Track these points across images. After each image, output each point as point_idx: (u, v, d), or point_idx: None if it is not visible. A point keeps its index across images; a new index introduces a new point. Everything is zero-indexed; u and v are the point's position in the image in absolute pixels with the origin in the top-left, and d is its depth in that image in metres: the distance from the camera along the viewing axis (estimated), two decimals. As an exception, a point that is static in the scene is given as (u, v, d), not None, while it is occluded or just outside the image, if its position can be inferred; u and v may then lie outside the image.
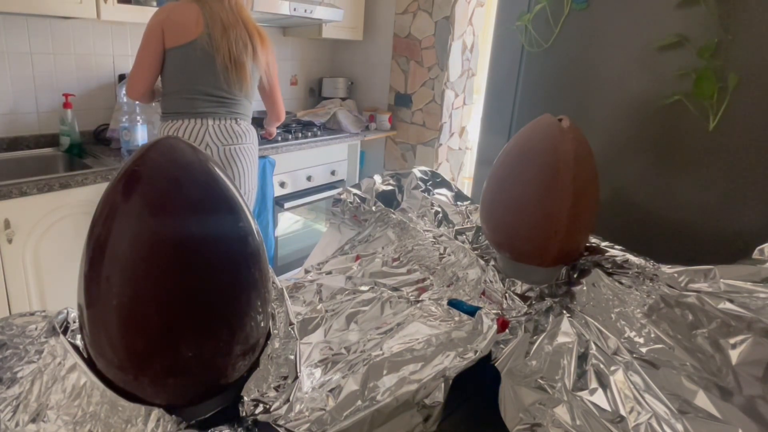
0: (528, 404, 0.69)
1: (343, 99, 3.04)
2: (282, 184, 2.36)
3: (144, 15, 1.84)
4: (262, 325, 0.63)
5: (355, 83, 3.13)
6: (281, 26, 2.80)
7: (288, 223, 2.52)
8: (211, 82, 1.59)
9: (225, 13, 1.57)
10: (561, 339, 0.76)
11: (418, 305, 0.86)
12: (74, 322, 0.68)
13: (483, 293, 0.92)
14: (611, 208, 1.30)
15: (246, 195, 1.80)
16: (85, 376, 0.56)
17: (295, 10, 2.25)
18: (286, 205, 2.37)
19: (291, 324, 0.67)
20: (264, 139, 2.29)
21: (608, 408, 0.65)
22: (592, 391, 0.68)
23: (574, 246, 0.95)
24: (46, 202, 1.58)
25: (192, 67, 1.57)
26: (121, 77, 2.13)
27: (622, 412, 0.64)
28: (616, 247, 1.00)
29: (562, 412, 0.66)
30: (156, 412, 0.54)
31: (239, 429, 0.57)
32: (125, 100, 1.94)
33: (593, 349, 0.74)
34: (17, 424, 0.55)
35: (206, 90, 1.59)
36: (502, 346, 0.77)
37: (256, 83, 1.74)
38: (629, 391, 0.67)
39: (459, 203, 1.28)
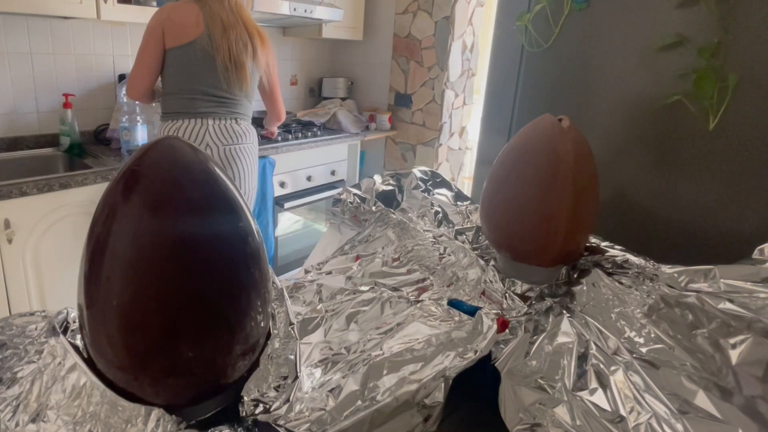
0: (528, 404, 0.69)
1: (343, 99, 3.04)
2: (282, 184, 2.36)
3: (144, 15, 1.84)
4: (262, 325, 0.63)
5: (355, 83, 3.13)
6: (281, 26, 2.80)
7: (288, 223, 2.52)
8: (211, 82, 1.59)
9: (225, 14, 1.57)
10: (561, 339, 0.76)
11: (418, 305, 0.86)
12: (74, 322, 0.68)
13: (483, 293, 0.92)
14: (611, 208, 1.30)
15: (246, 195, 1.80)
16: (85, 376, 0.56)
17: (295, 10, 2.25)
18: (286, 205, 2.37)
19: (291, 324, 0.67)
20: (264, 139, 2.29)
21: (608, 408, 0.65)
22: (592, 391, 0.68)
23: (574, 246, 0.95)
24: (46, 202, 1.58)
25: (192, 68, 1.57)
26: (121, 77, 2.13)
27: (622, 412, 0.64)
28: (616, 247, 1.00)
29: (562, 412, 0.66)
30: (156, 412, 0.54)
31: (239, 429, 0.57)
32: (125, 100, 1.93)
33: (593, 349, 0.74)
34: (17, 424, 0.55)
35: (206, 90, 1.59)
36: (502, 346, 0.77)
37: (256, 83, 1.74)
38: (629, 391, 0.67)
39: (459, 203, 1.28)
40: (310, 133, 2.49)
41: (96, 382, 0.55)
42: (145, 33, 1.55)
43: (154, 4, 1.94)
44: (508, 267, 1.00)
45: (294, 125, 2.60)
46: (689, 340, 0.73)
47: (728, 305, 0.71)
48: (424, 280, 0.98)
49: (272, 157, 2.21)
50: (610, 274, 0.90)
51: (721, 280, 0.75)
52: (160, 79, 1.64)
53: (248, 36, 1.62)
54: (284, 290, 0.72)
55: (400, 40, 2.83)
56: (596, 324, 0.80)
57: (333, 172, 2.64)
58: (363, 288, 0.93)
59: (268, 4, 2.14)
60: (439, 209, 1.25)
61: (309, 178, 2.51)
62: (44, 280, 1.63)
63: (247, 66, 1.62)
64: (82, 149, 1.98)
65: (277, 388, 0.60)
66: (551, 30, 1.37)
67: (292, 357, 0.63)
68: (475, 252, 1.03)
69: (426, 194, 1.30)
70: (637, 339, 0.77)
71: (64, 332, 0.65)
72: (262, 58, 1.67)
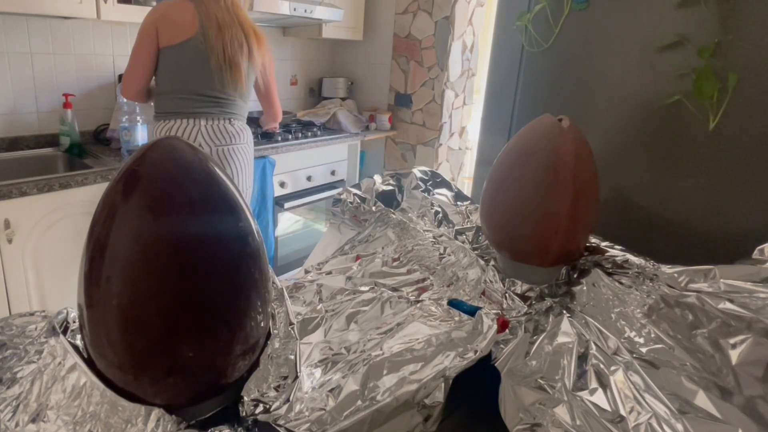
0: (528, 404, 0.69)
1: (343, 99, 3.04)
2: (282, 184, 2.36)
3: (144, 15, 1.83)
4: (262, 325, 0.63)
5: (355, 83, 3.13)
6: (281, 26, 2.80)
7: (288, 223, 2.52)
8: (204, 82, 1.57)
9: (221, 13, 1.56)
10: (561, 339, 0.76)
11: (418, 305, 0.86)
12: (74, 322, 0.68)
13: (483, 293, 0.92)
14: (611, 208, 1.30)
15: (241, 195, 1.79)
16: (85, 376, 0.56)
17: (295, 10, 2.25)
18: (286, 205, 2.37)
19: (291, 324, 0.67)
20: (264, 139, 2.29)
21: (608, 408, 0.65)
22: (592, 391, 0.68)
23: (574, 246, 0.95)
24: (46, 202, 1.58)
25: (186, 67, 1.55)
26: (121, 77, 2.12)
27: (622, 412, 0.64)
28: (616, 247, 1.00)
29: (562, 412, 0.66)
30: (156, 412, 0.54)
31: (239, 429, 0.57)
32: (125, 100, 1.94)
33: (593, 349, 0.74)
34: (17, 424, 0.55)
35: (200, 90, 1.58)
36: (502, 346, 0.77)
37: (252, 83, 1.72)
38: (629, 391, 0.67)
39: (459, 203, 1.28)
40: (310, 133, 2.49)
41: (96, 382, 0.55)
42: (139, 32, 1.54)
43: (154, 3, 1.94)
44: (508, 267, 1.00)
45: (294, 125, 2.60)
46: (689, 340, 0.73)
47: (728, 305, 0.71)
48: (424, 280, 0.98)
49: (272, 157, 2.21)
50: (610, 274, 0.90)
51: (721, 280, 0.75)
52: (155, 78, 1.63)
53: (244, 36, 1.60)
54: (284, 290, 0.72)
55: (400, 40, 2.83)
56: (596, 324, 0.80)
57: (333, 172, 2.64)
58: (363, 288, 0.93)
59: (268, 4, 2.14)
60: (439, 209, 1.25)
61: (309, 178, 2.51)
62: (44, 280, 1.63)
63: (242, 66, 1.60)
64: (82, 149, 1.98)
65: (277, 388, 0.60)
66: (551, 30, 1.37)
67: (292, 357, 0.63)
68: (475, 252, 1.03)
69: (426, 194, 1.30)
70: (637, 339, 0.77)
71: (64, 332, 0.65)
72: (258, 59, 1.65)
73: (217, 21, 1.54)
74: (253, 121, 2.36)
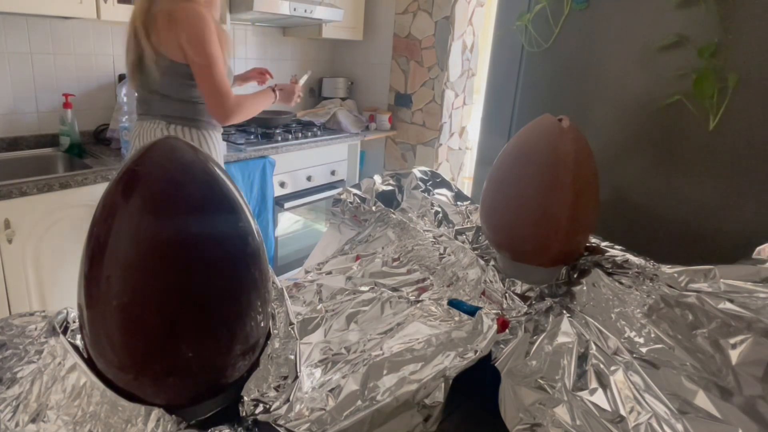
0: (528, 404, 0.69)
1: (343, 99, 3.04)
2: (282, 184, 2.36)
3: (144, 15, 1.83)
4: (262, 325, 0.63)
5: (355, 83, 3.12)
6: (281, 26, 2.80)
7: (288, 223, 2.52)
8: (135, 83, 1.53)
9: (132, 14, 1.46)
10: (561, 339, 0.76)
11: (418, 305, 0.86)
12: (74, 322, 0.68)
13: (483, 293, 0.92)
14: (611, 208, 1.30)
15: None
16: (85, 376, 0.56)
17: (295, 10, 2.25)
18: (286, 205, 2.37)
19: (291, 324, 0.67)
20: (264, 139, 2.29)
21: (608, 408, 0.65)
22: (592, 391, 0.68)
23: (574, 246, 0.95)
24: (46, 202, 1.58)
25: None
26: (121, 77, 2.13)
27: (622, 412, 0.64)
28: (616, 247, 1.00)
29: (562, 412, 0.66)
30: (156, 412, 0.54)
31: (239, 429, 0.57)
32: (125, 100, 1.94)
33: (593, 349, 0.74)
34: (17, 424, 0.55)
35: (138, 91, 1.54)
36: (502, 346, 0.77)
37: (166, 79, 1.45)
38: (629, 391, 0.67)
39: (459, 203, 1.28)
40: (310, 133, 2.49)
41: (96, 382, 0.55)
42: None
43: (154, 4, 1.93)
44: (508, 267, 1.00)
45: (294, 125, 2.60)
46: (689, 340, 0.73)
47: (728, 305, 0.71)
48: (424, 280, 0.98)
49: (272, 157, 2.21)
50: (610, 274, 0.90)
51: (721, 280, 0.75)
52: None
53: (133, 34, 1.44)
54: (284, 290, 0.72)
55: (400, 40, 2.83)
56: (596, 324, 0.80)
57: (333, 172, 2.64)
58: (363, 288, 0.93)
59: (268, 4, 2.14)
60: (439, 209, 1.25)
61: (309, 178, 2.51)
62: (44, 280, 1.63)
63: (132, 67, 1.47)
64: (82, 149, 1.98)
65: (277, 388, 0.60)
66: (551, 30, 1.37)
67: (292, 357, 0.63)
68: (475, 252, 1.03)
69: (426, 194, 1.30)
70: (637, 339, 0.77)
71: (64, 332, 0.65)
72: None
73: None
74: (254, 120, 2.36)
